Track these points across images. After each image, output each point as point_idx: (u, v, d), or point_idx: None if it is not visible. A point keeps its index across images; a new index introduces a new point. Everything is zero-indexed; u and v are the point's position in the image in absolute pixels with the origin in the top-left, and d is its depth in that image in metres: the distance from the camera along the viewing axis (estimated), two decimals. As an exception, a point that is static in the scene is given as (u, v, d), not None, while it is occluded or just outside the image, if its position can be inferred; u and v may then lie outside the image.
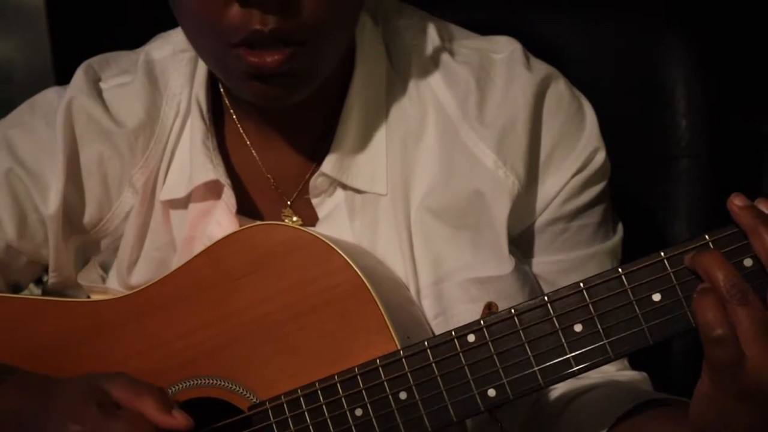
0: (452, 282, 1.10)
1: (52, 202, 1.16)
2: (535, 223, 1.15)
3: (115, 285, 1.19)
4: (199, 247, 1.13)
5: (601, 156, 1.14)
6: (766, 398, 0.88)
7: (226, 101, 1.17)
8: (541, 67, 1.15)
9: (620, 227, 1.20)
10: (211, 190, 1.15)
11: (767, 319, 0.88)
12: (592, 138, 1.14)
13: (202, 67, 1.16)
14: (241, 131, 1.17)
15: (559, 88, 1.14)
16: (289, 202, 1.17)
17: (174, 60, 1.18)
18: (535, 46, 1.18)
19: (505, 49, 1.16)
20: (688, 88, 1.36)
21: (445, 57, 1.15)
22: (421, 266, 1.11)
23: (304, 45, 1.01)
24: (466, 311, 1.08)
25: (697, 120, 1.36)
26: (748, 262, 0.90)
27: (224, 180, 1.13)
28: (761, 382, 0.87)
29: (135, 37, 1.25)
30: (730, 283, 0.88)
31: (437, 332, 1.08)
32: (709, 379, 0.90)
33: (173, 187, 1.16)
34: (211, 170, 1.13)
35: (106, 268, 1.22)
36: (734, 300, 0.88)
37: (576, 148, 1.13)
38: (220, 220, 1.14)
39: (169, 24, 1.13)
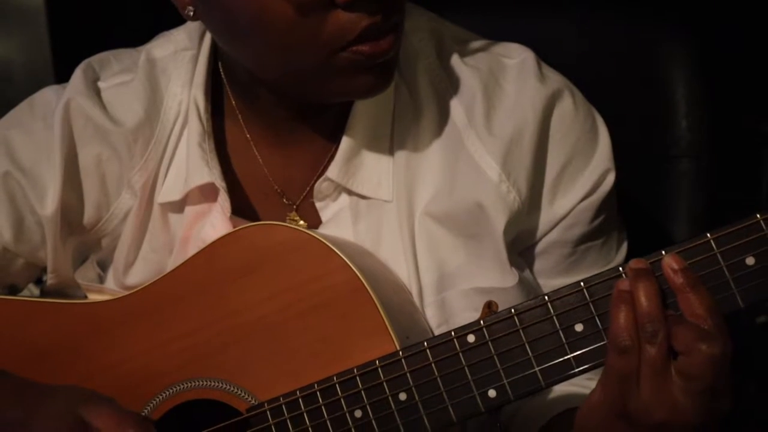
0: (455, 290, 1.09)
1: (49, 204, 1.15)
2: (539, 243, 1.13)
3: (111, 285, 1.18)
4: (193, 250, 1.12)
5: (611, 178, 1.11)
6: (646, 427, 0.90)
7: (233, 103, 1.15)
8: (554, 79, 1.12)
9: (624, 246, 1.18)
10: (207, 193, 1.14)
11: (665, 365, 0.88)
12: (604, 158, 1.11)
13: (201, 68, 1.14)
14: (247, 134, 1.15)
15: (572, 104, 1.11)
16: (294, 206, 1.15)
17: (175, 59, 1.16)
18: (535, 46, 1.17)
19: (516, 55, 1.13)
20: (688, 88, 1.35)
21: (453, 61, 1.13)
22: (424, 273, 1.09)
23: (399, 25, 1.02)
24: (470, 320, 1.07)
25: (697, 120, 1.35)
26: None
27: (219, 183, 1.11)
28: (646, 411, 0.89)
29: (135, 37, 1.24)
30: (647, 317, 0.89)
31: (439, 339, 1.08)
32: (601, 389, 0.91)
33: (170, 189, 1.15)
34: (207, 173, 1.12)
35: (104, 266, 1.21)
36: (644, 334, 0.88)
37: (587, 169, 1.11)
38: (215, 223, 1.13)
39: (169, 24, 1.12)
